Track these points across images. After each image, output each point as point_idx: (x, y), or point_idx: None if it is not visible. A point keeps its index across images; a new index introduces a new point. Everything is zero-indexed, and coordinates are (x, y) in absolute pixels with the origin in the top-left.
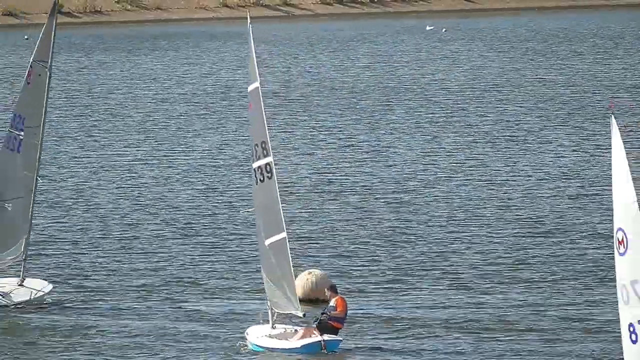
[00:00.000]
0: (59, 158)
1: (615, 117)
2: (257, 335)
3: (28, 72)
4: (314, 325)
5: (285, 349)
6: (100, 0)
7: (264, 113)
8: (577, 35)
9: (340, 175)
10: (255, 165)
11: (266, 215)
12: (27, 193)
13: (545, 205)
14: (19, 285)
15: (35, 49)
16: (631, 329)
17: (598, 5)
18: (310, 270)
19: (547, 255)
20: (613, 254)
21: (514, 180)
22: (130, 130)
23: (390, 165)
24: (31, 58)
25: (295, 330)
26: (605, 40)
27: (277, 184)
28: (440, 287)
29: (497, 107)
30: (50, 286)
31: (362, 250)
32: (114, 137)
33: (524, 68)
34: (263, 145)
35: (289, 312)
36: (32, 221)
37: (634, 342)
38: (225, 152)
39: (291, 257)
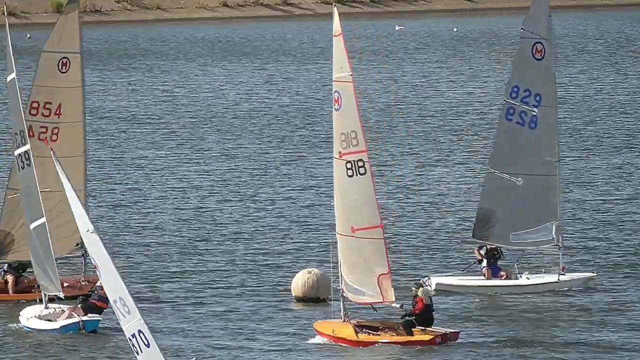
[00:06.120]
0: None
1: None
2: (28, 316)
3: None
4: (79, 306)
5: (49, 329)
6: (100, 0)
7: (20, 103)
8: None
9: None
10: (16, 152)
11: (28, 200)
12: (543, 172)
13: None
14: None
15: None
16: (134, 341)
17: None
18: (310, 270)
19: None
20: None
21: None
22: None
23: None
24: None
25: (63, 311)
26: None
27: (35, 171)
28: None
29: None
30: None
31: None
32: None
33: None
34: (22, 134)
35: (52, 293)
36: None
37: (138, 353)
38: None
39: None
